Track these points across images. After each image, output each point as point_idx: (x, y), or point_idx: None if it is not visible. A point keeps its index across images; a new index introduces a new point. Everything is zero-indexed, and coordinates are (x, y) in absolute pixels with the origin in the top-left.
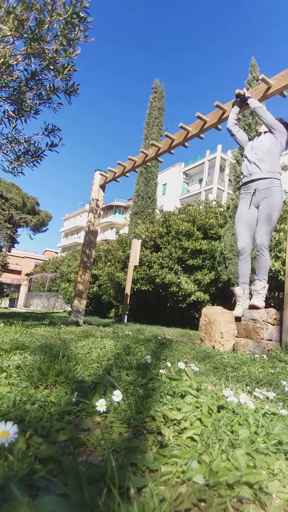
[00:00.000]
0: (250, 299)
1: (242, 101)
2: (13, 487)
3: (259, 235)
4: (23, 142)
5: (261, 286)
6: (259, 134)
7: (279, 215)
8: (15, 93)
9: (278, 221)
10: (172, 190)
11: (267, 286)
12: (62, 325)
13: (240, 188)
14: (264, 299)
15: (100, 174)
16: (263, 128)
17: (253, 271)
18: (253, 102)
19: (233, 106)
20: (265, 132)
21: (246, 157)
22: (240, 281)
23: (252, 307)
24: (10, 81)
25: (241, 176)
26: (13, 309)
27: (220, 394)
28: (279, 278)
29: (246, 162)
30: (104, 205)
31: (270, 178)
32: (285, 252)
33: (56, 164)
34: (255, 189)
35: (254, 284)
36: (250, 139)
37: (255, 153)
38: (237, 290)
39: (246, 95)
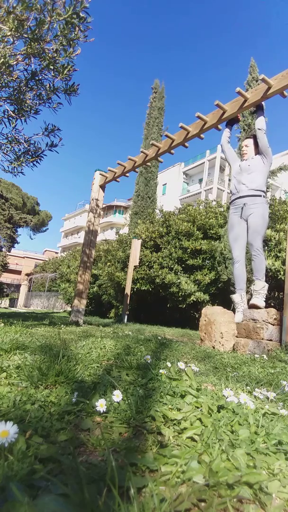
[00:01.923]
0: (250, 299)
1: (233, 122)
2: (13, 487)
3: (253, 239)
4: (23, 142)
5: (261, 286)
6: (243, 157)
7: (267, 226)
8: (15, 93)
9: (278, 221)
10: (172, 190)
11: (266, 286)
12: (62, 325)
13: (231, 204)
14: (264, 299)
15: (100, 174)
16: (246, 142)
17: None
18: (260, 123)
19: (226, 126)
20: (252, 157)
21: (235, 177)
22: (237, 288)
23: (253, 306)
24: (10, 81)
25: (231, 194)
26: (13, 309)
27: (220, 394)
28: (279, 277)
29: (235, 182)
30: (104, 205)
31: (256, 196)
32: (285, 252)
33: (56, 164)
34: (244, 203)
35: (254, 284)
36: (239, 157)
37: (243, 175)
38: (235, 297)
39: (258, 115)
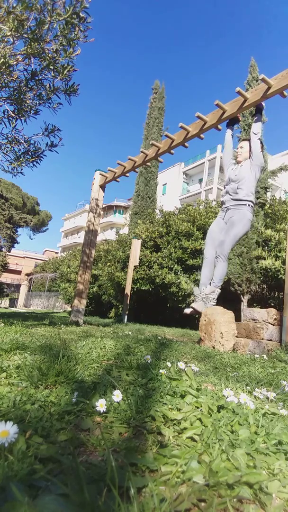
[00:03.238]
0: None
1: (233, 122)
2: (13, 487)
3: (221, 245)
4: (23, 142)
5: (210, 290)
6: (237, 159)
7: (243, 233)
8: (15, 93)
9: (278, 221)
10: (172, 190)
11: (217, 291)
12: (62, 325)
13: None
14: (213, 304)
15: (100, 174)
16: (242, 143)
17: (251, 273)
18: (256, 128)
19: (227, 127)
20: (241, 165)
21: (225, 187)
22: (201, 282)
23: (192, 308)
24: (10, 81)
25: (220, 200)
26: (13, 309)
27: (220, 394)
28: (279, 277)
29: (223, 192)
30: (104, 205)
31: (240, 204)
32: (285, 251)
33: (56, 164)
34: (228, 208)
35: (206, 287)
36: (232, 163)
37: (231, 185)
38: (195, 289)
39: (256, 116)
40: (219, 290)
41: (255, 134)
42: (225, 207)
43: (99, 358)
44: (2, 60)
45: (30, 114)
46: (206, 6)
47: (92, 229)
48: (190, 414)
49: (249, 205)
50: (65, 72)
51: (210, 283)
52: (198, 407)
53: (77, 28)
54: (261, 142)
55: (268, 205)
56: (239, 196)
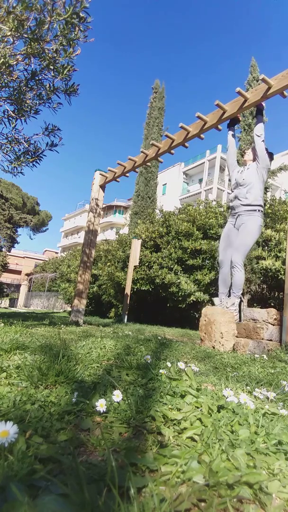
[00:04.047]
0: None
1: (233, 123)
2: (13, 487)
3: (235, 254)
4: (23, 142)
5: (231, 303)
6: (243, 163)
7: (255, 239)
8: (15, 93)
9: (278, 221)
10: (172, 190)
11: (237, 302)
12: (62, 325)
13: (229, 215)
14: (235, 314)
15: (100, 174)
16: (247, 156)
17: (251, 273)
18: (258, 129)
19: (228, 127)
20: (248, 168)
21: (232, 190)
22: (219, 291)
23: None
24: (10, 81)
25: (230, 209)
26: (13, 309)
27: (220, 394)
28: (279, 277)
29: (232, 196)
30: (104, 205)
31: (250, 210)
32: (285, 252)
33: (56, 164)
34: (238, 214)
35: (227, 298)
36: (238, 164)
37: (239, 189)
38: (215, 300)
39: (258, 117)
40: (238, 300)
41: (258, 136)
42: (236, 213)
43: (99, 358)
44: (2, 60)
45: (30, 114)
46: (206, 5)
47: (92, 229)
48: (190, 414)
49: (259, 210)
50: (65, 72)
51: (229, 292)
52: (198, 407)
53: (77, 28)
54: (271, 154)
55: (268, 205)
56: (249, 201)
